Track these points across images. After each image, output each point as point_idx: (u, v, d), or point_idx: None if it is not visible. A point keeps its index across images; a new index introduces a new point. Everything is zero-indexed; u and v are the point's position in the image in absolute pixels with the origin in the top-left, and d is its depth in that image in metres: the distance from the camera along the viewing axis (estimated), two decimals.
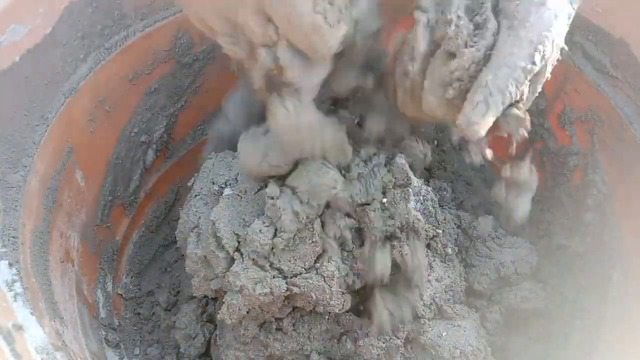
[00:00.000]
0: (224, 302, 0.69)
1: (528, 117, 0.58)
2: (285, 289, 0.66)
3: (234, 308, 0.68)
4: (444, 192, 0.93)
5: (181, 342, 0.82)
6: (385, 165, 0.71)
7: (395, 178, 0.70)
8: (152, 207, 0.97)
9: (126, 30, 0.79)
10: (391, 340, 0.74)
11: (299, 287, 0.67)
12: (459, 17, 0.54)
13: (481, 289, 0.85)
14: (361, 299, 0.75)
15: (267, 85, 0.62)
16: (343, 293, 0.70)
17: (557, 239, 0.86)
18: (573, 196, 0.85)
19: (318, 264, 0.68)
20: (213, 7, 0.56)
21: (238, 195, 0.70)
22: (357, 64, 0.66)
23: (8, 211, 0.63)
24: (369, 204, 0.70)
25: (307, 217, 0.66)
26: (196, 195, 0.74)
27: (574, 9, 0.54)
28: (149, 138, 0.91)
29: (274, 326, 0.74)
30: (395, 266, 0.72)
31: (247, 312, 0.70)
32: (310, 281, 0.67)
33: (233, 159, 0.76)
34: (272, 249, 0.66)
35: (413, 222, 0.70)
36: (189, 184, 0.78)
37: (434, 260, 0.79)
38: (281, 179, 0.68)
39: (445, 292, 0.80)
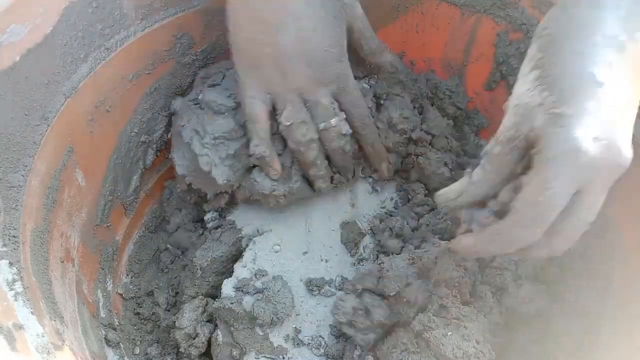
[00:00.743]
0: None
1: None
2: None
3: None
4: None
5: (181, 342, 0.82)
6: None
7: None
8: (152, 207, 0.97)
9: (126, 30, 0.79)
10: None
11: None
12: None
13: (482, 290, 0.85)
14: None
15: None
16: None
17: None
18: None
19: None
20: None
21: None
22: None
23: (8, 211, 0.63)
24: None
25: None
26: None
27: None
28: (149, 138, 0.91)
29: None
30: None
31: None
32: None
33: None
34: None
35: None
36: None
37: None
38: None
39: (453, 293, 0.81)
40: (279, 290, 0.77)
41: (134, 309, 0.89)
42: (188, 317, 0.82)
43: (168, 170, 0.97)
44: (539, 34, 0.54)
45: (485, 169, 0.54)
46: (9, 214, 0.63)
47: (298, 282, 0.81)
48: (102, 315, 0.83)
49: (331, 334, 0.78)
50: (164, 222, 0.95)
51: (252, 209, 0.87)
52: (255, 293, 0.78)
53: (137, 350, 0.84)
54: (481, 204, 0.56)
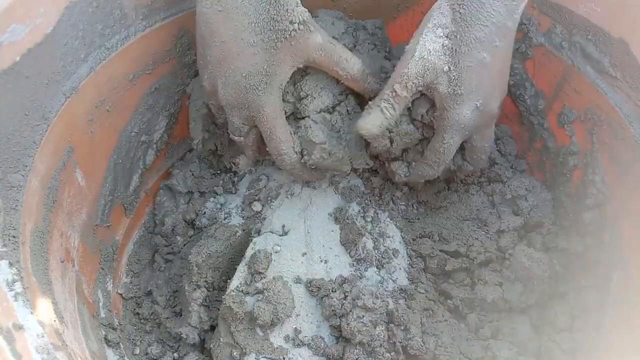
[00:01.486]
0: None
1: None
2: None
3: None
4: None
5: (181, 341, 0.82)
6: None
7: None
8: (152, 207, 0.97)
9: (127, 30, 0.79)
10: None
11: None
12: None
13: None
14: None
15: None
16: None
17: (557, 239, 0.86)
18: (573, 196, 0.86)
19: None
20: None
21: None
22: None
23: (8, 211, 0.63)
24: None
25: None
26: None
27: None
28: (149, 138, 0.91)
29: None
30: None
31: None
32: None
33: None
34: None
35: None
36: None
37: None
38: None
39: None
40: (279, 291, 0.77)
41: (134, 309, 0.89)
42: (188, 316, 0.82)
43: (168, 170, 0.97)
44: (455, 5, 0.68)
45: (394, 107, 0.72)
46: (9, 214, 0.62)
47: (298, 283, 0.81)
48: (102, 315, 0.83)
49: (331, 335, 0.78)
50: (158, 225, 0.95)
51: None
52: (256, 294, 0.78)
53: (137, 350, 0.84)
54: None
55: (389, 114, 0.73)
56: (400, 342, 0.76)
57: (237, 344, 0.76)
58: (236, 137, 0.82)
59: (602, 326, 0.75)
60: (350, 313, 0.74)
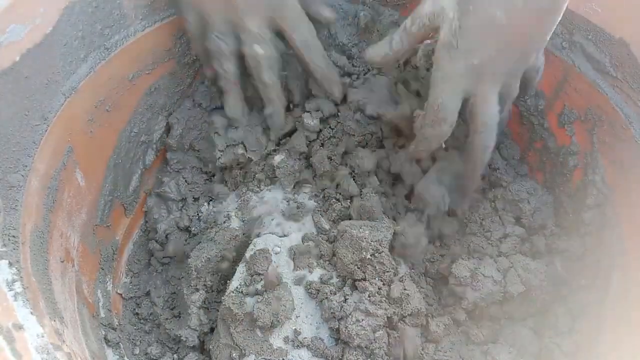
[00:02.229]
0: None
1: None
2: None
3: None
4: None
5: (180, 340, 0.82)
6: None
7: None
8: None
9: (126, 30, 0.79)
10: None
11: None
12: None
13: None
14: None
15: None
16: None
17: (557, 239, 0.85)
18: (573, 196, 0.85)
19: None
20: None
21: None
22: None
23: (8, 211, 0.63)
24: None
25: None
26: None
27: None
28: (148, 138, 0.91)
29: None
30: None
31: None
32: None
33: None
34: None
35: None
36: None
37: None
38: None
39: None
40: (278, 292, 0.77)
41: (134, 309, 0.89)
42: (187, 316, 0.82)
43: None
44: None
45: (402, 40, 0.73)
46: (8, 214, 0.62)
47: (298, 285, 0.81)
48: (102, 315, 0.83)
49: (331, 336, 0.77)
50: (151, 232, 0.94)
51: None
52: (255, 295, 0.78)
53: (137, 351, 0.84)
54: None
55: (395, 46, 0.74)
56: (399, 347, 0.76)
57: (236, 345, 0.76)
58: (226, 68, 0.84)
59: (602, 326, 0.75)
60: (350, 316, 0.74)
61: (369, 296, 0.76)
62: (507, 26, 0.64)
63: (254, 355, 0.75)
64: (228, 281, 0.82)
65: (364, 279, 0.78)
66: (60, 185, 0.73)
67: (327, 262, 0.83)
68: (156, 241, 0.92)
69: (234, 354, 0.76)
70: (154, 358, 0.84)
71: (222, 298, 0.78)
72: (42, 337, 0.56)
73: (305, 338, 0.77)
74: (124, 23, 0.78)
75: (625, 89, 0.76)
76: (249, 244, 0.85)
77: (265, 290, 0.78)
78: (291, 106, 0.92)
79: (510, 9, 0.63)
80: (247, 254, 0.82)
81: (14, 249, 0.61)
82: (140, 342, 0.86)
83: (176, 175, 0.94)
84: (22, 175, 0.65)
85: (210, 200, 0.93)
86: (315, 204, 0.89)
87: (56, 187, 0.72)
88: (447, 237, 0.87)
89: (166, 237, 0.92)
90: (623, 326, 0.71)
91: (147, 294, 0.90)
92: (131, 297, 0.90)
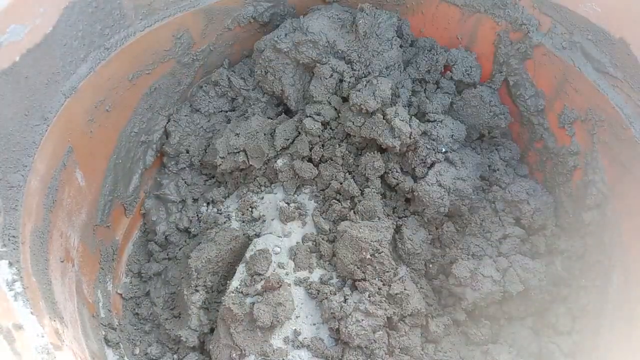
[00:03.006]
0: None
1: None
2: None
3: None
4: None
5: (180, 340, 0.82)
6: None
7: None
8: None
9: (126, 30, 0.79)
10: None
11: None
12: None
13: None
14: None
15: None
16: None
17: (557, 239, 0.85)
18: (573, 196, 0.85)
19: None
20: None
21: None
22: None
23: (8, 211, 0.63)
24: None
25: None
26: None
27: None
28: (148, 138, 0.91)
29: None
30: None
31: None
32: None
33: None
34: None
35: None
36: None
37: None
38: None
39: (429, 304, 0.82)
40: (278, 293, 0.77)
41: (134, 309, 0.89)
42: (187, 316, 0.82)
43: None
44: None
45: None
46: (8, 214, 0.62)
47: (298, 285, 0.81)
48: (102, 315, 0.83)
49: (331, 337, 0.77)
50: (150, 233, 0.94)
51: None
52: (255, 295, 0.78)
53: (137, 351, 0.84)
54: None
55: None
56: (399, 347, 0.76)
57: (236, 345, 0.76)
58: None
59: (602, 327, 0.75)
60: (350, 316, 0.74)
61: (368, 296, 0.76)
62: None
63: (253, 356, 0.75)
64: (228, 281, 0.82)
65: (364, 279, 0.78)
66: (60, 185, 0.73)
67: (327, 263, 0.83)
68: (155, 242, 0.92)
69: (234, 354, 0.76)
70: (154, 358, 0.84)
71: (222, 298, 0.78)
72: (42, 337, 0.56)
73: (305, 338, 0.77)
74: (124, 23, 0.78)
75: (625, 89, 0.76)
76: (249, 244, 0.85)
77: (265, 291, 0.78)
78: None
79: None
80: (247, 254, 0.82)
81: (14, 249, 0.61)
82: (141, 342, 0.86)
83: (175, 176, 0.94)
84: (22, 175, 0.65)
85: (210, 201, 0.93)
86: (316, 204, 0.89)
87: (56, 187, 0.72)
88: (447, 238, 0.87)
89: (165, 238, 0.92)
90: (623, 326, 0.71)
91: (148, 294, 0.90)
92: (131, 297, 0.90)
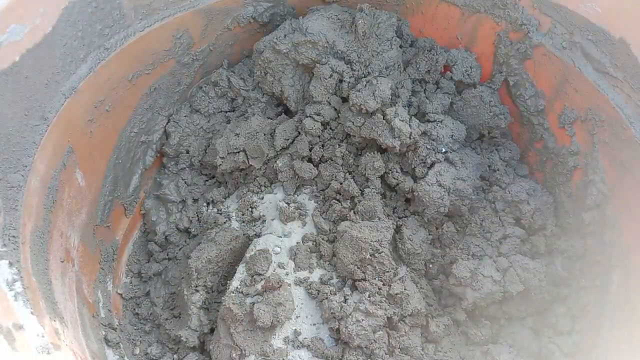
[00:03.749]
0: None
1: None
2: None
3: None
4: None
5: (180, 340, 0.82)
6: None
7: None
8: None
9: (126, 30, 0.79)
10: None
11: None
12: None
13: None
14: None
15: None
16: None
17: (557, 240, 0.85)
18: (573, 196, 0.85)
19: None
20: None
21: None
22: None
23: (8, 211, 0.63)
24: None
25: None
26: None
27: None
28: (148, 138, 0.91)
29: None
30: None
31: None
32: None
33: None
34: None
35: None
36: None
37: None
38: None
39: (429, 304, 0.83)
40: (279, 293, 0.77)
41: (134, 309, 0.89)
42: (187, 316, 0.82)
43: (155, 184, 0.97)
44: None
45: None
46: (9, 214, 0.62)
47: (298, 285, 0.81)
48: (102, 315, 0.83)
49: (331, 337, 0.78)
50: (150, 234, 0.94)
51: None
52: (255, 295, 0.78)
53: (137, 351, 0.84)
54: None
55: None
56: (399, 347, 0.76)
57: (236, 345, 0.76)
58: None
59: (602, 327, 0.75)
60: (350, 316, 0.74)
61: (369, 296, 0.76)
62: None
63: (254, 356, 0.75)
64: (228, 281, 0.82)
65: (364, 279, 0.78)
66: (60, 185, 0.73)
67: (327, 263, 0.83)
68: (155, 243, 0.92)
69: (234, 354, 0.76)
70: (154, 358, 0.84)
71: (222, 298, 0.78)
72: (42, 337, 0.56)
73: (305, 338, 0.77)
74: (123, 23, 0.78)
75: (625, 89, 0.76)
76: (249, 244, 0.85)
77: (265, 291, 0.78)
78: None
79: None
80: (247, 254, 0.82)
81: (14, 249, 0.61)
82: (141, 342, 0.86)
83: (175, 177, 0.95)
84: (22, 175, 0.65)
85: (210, 201, 0.94)
86: (315, 204, 0.89)
87: (56, 187, 0.72)
88: (447, 238, 0.87)
89: (165, 238, 0.92)
90: (623, 326, 0.71)
91: (148, 294, 0.90)
92: (131, 297, 0.90)
